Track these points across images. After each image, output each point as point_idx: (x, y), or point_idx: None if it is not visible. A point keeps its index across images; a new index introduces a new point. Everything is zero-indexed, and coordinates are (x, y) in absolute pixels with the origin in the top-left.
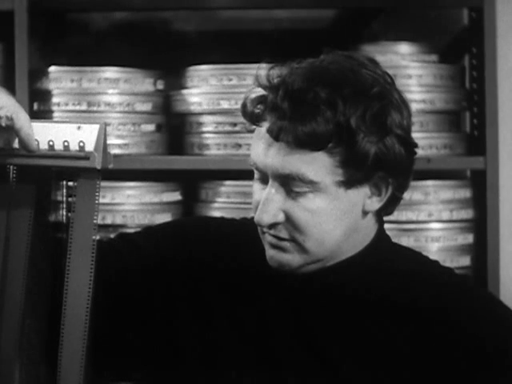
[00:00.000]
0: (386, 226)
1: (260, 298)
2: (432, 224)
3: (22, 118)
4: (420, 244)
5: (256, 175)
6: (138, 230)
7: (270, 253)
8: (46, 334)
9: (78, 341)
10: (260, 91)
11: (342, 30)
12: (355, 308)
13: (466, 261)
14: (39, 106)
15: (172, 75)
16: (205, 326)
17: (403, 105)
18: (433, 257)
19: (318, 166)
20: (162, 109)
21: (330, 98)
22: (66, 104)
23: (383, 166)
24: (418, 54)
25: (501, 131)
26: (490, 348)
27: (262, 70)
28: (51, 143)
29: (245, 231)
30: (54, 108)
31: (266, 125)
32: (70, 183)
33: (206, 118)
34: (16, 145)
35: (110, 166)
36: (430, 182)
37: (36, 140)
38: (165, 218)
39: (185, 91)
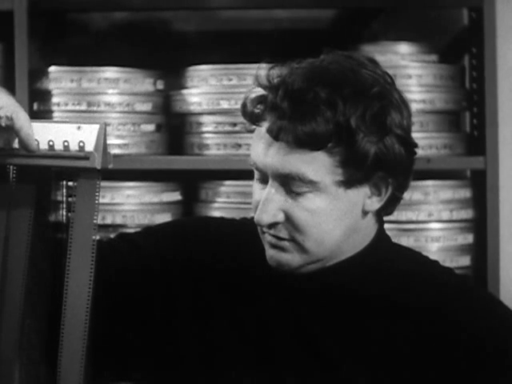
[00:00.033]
0: (386, 225)
1: (260, 298)
2: (432, 224)
3: (21, 118)
4: (420, 244)
5: (256, 175)
6: (138, 230)
7: (269, 252)
8: (46, 334)
9: (77, 341)
10: (260, 91)
11: (341, 30)
12: (355, 308)
13: (465, 261)
14: (39, 106)
15: (172, 75)
16: (205, 325)
17: (403, 105)
18: (433, 257)
19: (317, 165)
20: (162, 109)
21: (330, 98)
22: (66, 104)
23: (383, 165)
24: (417, 54)
25: (501, 131)
26: (489, 348)
27: (261, 69)
28: (51, 143)
29: (245, 231)
30: (54, 108)
31: (265, 125)
32: (70, 183)
33: (205, 118)
34: (16, 145)
35: (110, 166)
36: (429, 182)
37: (36, 140)
38: (165, 218)
39: (185, 91)
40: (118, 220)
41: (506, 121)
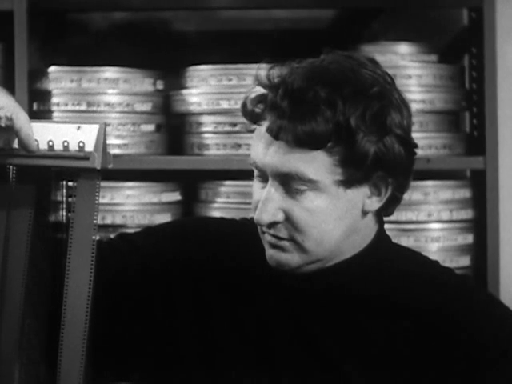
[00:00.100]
0: (386, 226)
1: (260, 298)
2: (432, 224)
3: (21, 118)
4: (420, 244)
5: (256, 175)
6: (138, 230)
7: (269, 252)
8: (46, 334)
9: (77, 341)
10: (260, 90)
11: (341, 30)
12: (355, 308)
13: (465, 261)
14: (39, 106)
15: (172, 75)
16: (204, 325)
17: (403, 105)
18: (433, 257)
19: (317, 165)
20: (162, 109)
21: (330, 98)
22: (66, 104)
23: (383, 165)
24: (417, 54)
25: (500, 131)
26: (489, 348)
27: (262, 69)
28: (51, 143)
29: (245, 231)
30: (54, 108)
31: (266, 124)
32: (70, 183)
33: (205, 118)
34: (16, 145)
35: (110, 166)
36: (429, 182)
37: (36, 140)
38: (164, 218)
39: (184, 91)
40: (118, 220)
41: (505, 121)
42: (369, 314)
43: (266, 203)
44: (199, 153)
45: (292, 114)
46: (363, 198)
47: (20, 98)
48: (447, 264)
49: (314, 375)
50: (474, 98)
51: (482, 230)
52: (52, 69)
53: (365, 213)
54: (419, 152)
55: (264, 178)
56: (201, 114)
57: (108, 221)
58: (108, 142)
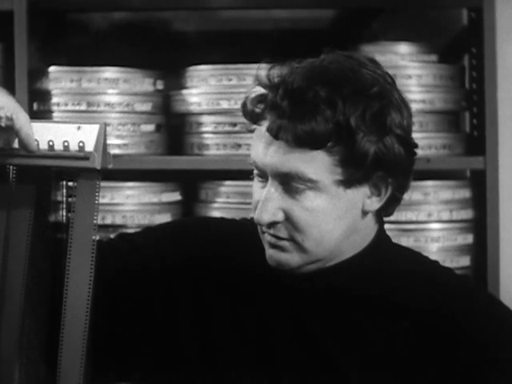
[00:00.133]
0: (386, 226)
1: (260, 298)
2: (432, 224)
3: (21, 118)
4: (420, 244)
5: (256, 174)
6: (138, 230)
7: (269, 252)
8: (46, 334)
9: (77, 341)
10: (260, 90)
11: (341, 30)
12: (355, 308)
13: (465, 261)
14: (39, 106)
15: (172, 75)
16: (205, 326)
17: (403, 105)
18: (433, 257)
19: (317, 164)
20: (162, 109)
21: (330, 97)
22: (66, 104)
23: (383, 165)
24: (417, 54)
25: (500, 131)
26: (489, 348)
27: (262, 69)
28: (51, 143)
29: (245, 232)
30: (54, 108)
31: (266, 124)
32: (70, 183)
33: (205, 118)
34: (16, 145)
35: (110, 166)
36: (429, 182)
37: (36, 140)
38: (164, 218)
39: (184, 91)
40: (118, 220)
41: (505, 121)
42: (369, 314)
43: (265, 203)
44: (199, 153)
45: (292, 114)
46: (363, 197)
47: (20, 98)
48: (447, 264)
49: (314, 375)
50: (474, 98)
51: (482, 230)
52: (52, 69)
53: (365, 213)
54: (419, 152)
55: (264, 178)
56: (201, 114)
57: (108, 221)
58: (108, 142)
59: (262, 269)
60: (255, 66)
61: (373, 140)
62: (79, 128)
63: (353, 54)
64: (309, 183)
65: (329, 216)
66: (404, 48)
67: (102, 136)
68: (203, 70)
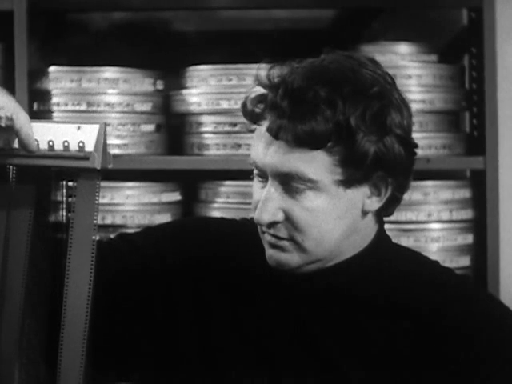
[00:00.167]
0: (386, 226)
1: (260, 298)
2: (432, 224)
3: (21, 118)
4: (420, 244)
5: (256, 174)
6: (138, 230)
7: (269, 252)
8: (46, 334)
9: (77, 341)
10: (260, 90)
11: (341, 30)
12: (355, 308)
13: (465, 261)
14: (39, 106)
15: (172, 75)
16: (204, 325)
17: (403, 105)
18: (433, 257)
19: (317, 164)
20: (162, 109)
21: (330, 97)
22: (66, 104)
23: (382, 165)
24: (417, 54)
25: (500, 131)
26: (489, 348)
27: (262, 69)
28: (51, 143)
29: (245, 232)
30: (54, 108)
31: (266, 124)
32: (70, 183)
33: (205, 118)
34: (16, 145)
35: (110, 166)
36: (429, 182)
37: (36, 140)
38: (164, 218)
39: (184, 91)
40: (118, 220)
41: (505, 121)
42: (369, 314)
43: (265, 203)
44: (199, 153)
45: (292, 114)
46: (363, 197)
47: (20, 98)
48: (447, 264)
49: (314, 375)
50: (474, 98)
51: (482, 230)
52: (52, 69)
53: (365, 213)
54: (419, 152)
55: (264, 178)
56: (201, 114)
57: (108, 221)
58: (108, 142)
59: (262, 269)
60: (255, 66)
61: (373, 140)
62: (79, 128)
63: (353, 54)
64: (309, 183)
65: (329, 216)
66: (404, 48)
67: (102, 136)
68: (203, 70)
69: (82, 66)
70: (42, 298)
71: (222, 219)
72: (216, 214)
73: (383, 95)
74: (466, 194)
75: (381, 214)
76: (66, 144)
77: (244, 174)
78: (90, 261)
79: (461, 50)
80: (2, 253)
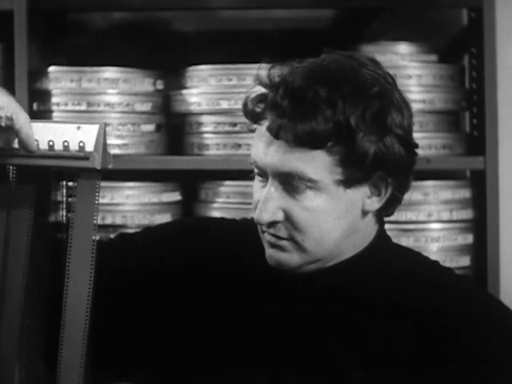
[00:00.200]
0: (386, 226)
1: (260, 298)
2: (432, 224)
3: (21, 118)
4: (420, 244)
5: (256, 174)
6: (138, 230)
7: (269, 252)
8: (46, 334)
9: (77, 341)
10: (261, 90)
11: (341, 30)
12: (355, 308)
13: (465, 261)
14: (39, 106)
15: (172, 75)
16: (205, 325)
17: (404, 105)
18: (433, 257)
19: (317, 164)
20: (162, 109)
21: (330, 97)
22: (66, 104)
23: (383, 165)
24: (417, 54)
25: (500, 131)
26: (489, 349)
27: (262, 69)
28: (51, 143)
29: (245, 231)
30: (54, 108)
31: (266, 123)
32: (70, 183)
33: (205, 118)
34: (16, 145)
35: (110, 166)
36: (429, 182)
37: (36, 140)
38: (164, 218)
39: (184, 91)
40: (118, 220)
41: (505, 121)
42: (369, 314)
43: (266, 202)
44: (199, 153)
45: (292, 114)
46: (363, 197)
47: (20, 98)
48: (447, 264)
49: (314, 375)
50: (474, 98)
51: (482, 230)
52: (52, 69)
53: (365, 213)
54: (419, 152)
55: (264, 178)
56: (201, 114)
57: (108, 221)
58: (108, 142)
59: (261, 269)
60: (255, 66)
61: (373, 140)
62: (79, 128)
63: (353, 54)
64: (309, 183)
65: (328, 216)
66: (404, 48)
67: (102, 136)
68: (203, 70)
69: (82, 66)
70: (41, 298)
71: (222, 219)
72: (216, 214)
73: (383, 95)
74: (466, 194)
75: (381, 214)
76: (66, 144)
77: (244, 174)
78: (90, 261)
79: (461, 50)
80: (1, 253)
